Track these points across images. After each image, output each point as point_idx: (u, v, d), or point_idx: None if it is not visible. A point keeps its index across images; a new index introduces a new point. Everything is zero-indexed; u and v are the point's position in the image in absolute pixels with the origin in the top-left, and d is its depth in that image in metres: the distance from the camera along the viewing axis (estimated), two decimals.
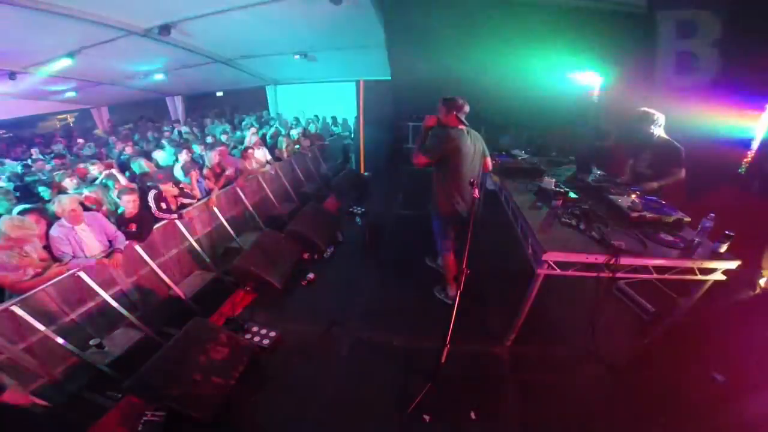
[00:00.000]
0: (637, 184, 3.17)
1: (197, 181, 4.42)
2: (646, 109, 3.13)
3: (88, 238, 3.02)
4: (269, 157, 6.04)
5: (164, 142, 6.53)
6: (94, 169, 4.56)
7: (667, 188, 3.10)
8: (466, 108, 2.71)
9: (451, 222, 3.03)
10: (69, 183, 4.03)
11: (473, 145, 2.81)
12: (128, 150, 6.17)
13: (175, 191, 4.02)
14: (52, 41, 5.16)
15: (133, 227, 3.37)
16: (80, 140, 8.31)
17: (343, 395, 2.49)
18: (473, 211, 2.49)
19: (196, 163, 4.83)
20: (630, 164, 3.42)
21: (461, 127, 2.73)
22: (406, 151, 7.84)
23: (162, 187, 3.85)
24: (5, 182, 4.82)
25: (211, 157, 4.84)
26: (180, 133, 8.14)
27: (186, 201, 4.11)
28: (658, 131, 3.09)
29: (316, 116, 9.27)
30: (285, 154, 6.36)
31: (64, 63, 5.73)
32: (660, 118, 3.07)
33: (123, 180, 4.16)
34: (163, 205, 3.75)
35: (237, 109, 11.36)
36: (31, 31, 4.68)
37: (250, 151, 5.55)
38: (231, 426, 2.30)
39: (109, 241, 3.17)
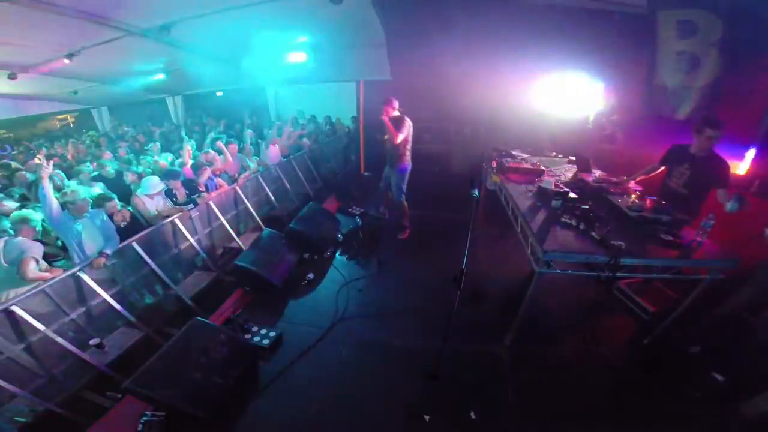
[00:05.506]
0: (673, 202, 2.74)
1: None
2: (708, 115, 2.73)
3: (88, 235, 3.00)
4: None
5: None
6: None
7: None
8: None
9: (409, 173, 4.44)
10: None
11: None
12: (121, 153, 6.18)
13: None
14: (52, 41, 5.15)
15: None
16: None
17: (343, 395, 2.49)
18: (474, 211, 2.50)
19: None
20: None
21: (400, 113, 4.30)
22: None
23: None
24: None
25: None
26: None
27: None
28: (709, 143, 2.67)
29: (314, 116, 9.28)
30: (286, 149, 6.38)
31: (64, 63, 5.72)
32: (719, 131, 2.62)
33: None
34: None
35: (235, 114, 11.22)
36: (30, 31, 4.67)
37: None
38: (231, 426, 2.30)
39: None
